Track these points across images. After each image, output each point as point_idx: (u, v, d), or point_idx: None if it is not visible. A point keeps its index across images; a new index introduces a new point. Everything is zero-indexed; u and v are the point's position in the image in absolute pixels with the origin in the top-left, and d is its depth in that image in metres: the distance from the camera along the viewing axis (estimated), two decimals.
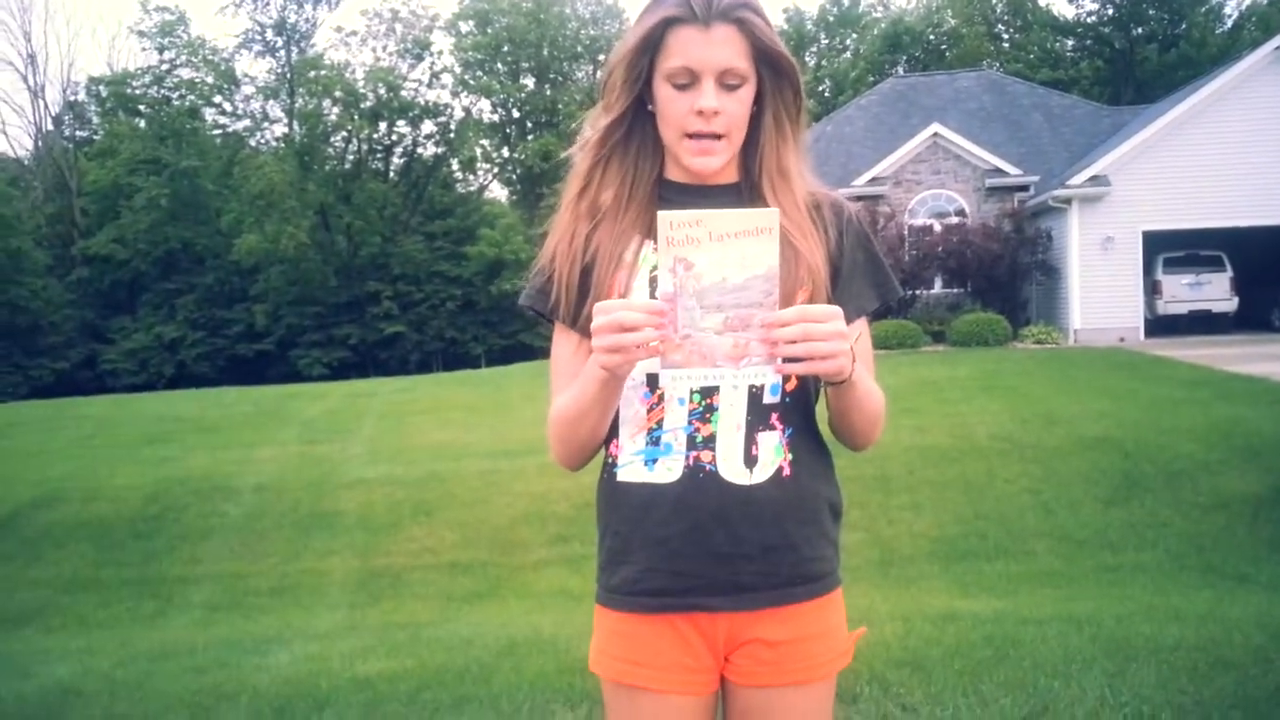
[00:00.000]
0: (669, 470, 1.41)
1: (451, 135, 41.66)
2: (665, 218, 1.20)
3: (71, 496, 9.93)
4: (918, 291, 19.33)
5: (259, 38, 42.05)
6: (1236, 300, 18.89)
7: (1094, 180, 18.04)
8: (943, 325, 18.22)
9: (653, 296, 1.38)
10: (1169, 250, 18.82)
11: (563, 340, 1.52)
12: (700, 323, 1.23)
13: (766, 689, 1.46)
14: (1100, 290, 18.13)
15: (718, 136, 1.40)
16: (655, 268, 1.39)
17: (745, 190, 1.48)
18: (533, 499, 8.99)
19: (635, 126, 1.47)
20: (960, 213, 20.39)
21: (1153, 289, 18.85)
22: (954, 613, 5.50)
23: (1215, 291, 18.84)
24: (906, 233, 19.62)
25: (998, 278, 18.89)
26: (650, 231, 1.42)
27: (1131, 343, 17.45)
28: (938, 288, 19.83)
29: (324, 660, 4.94)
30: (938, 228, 19.79)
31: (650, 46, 1.39)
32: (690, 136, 1.40)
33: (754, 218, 1.21)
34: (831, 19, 48.93)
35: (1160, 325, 18.81)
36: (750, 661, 1.46)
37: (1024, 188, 20.35)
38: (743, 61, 1.38)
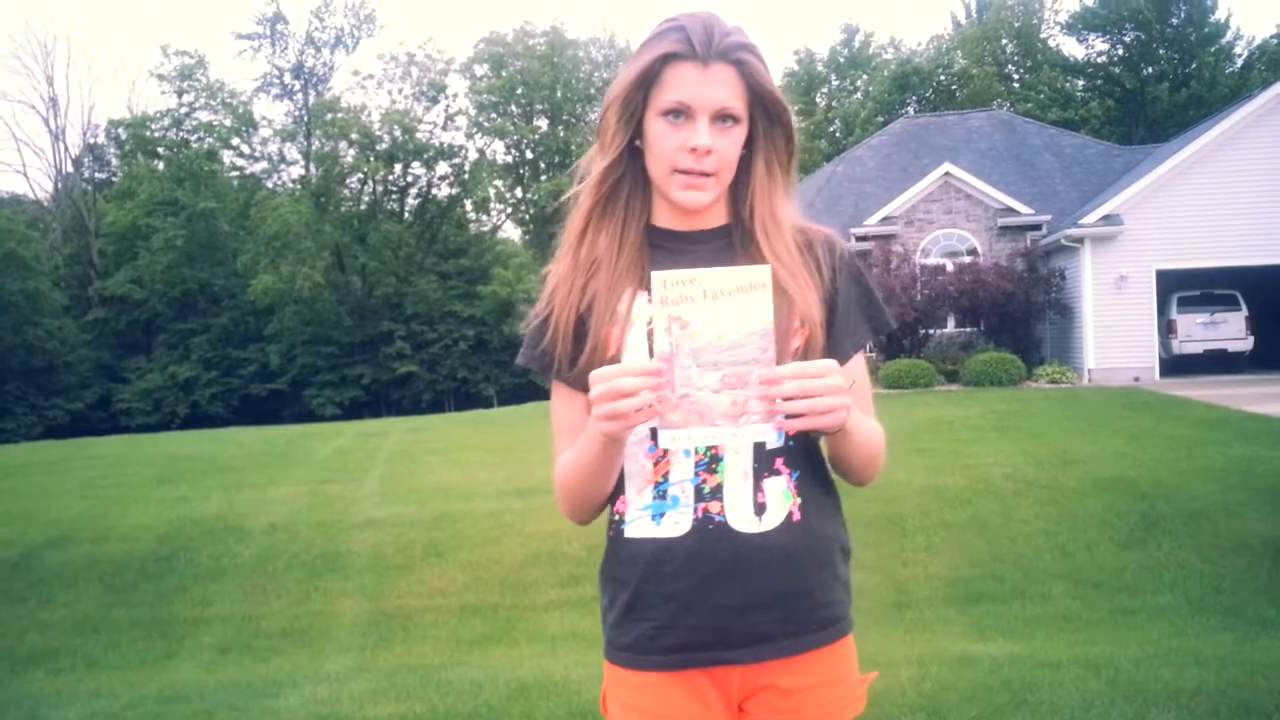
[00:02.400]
0: (677, 524, 1.40)
1: (465, 176, 42.03)
2: (659, 277, 1.20)
3: (83, 537, 9.91)
4: (930, 331, 19.30)
5: (277, 81, 42.67)
6: (1252, 339, 18.80)
7: (1106, 219, 18.04)
8: (956, 365, 18.16)
9: (651, 354, 1.38)
10: (1183, 289, 18.79)
11: (562, 397, 1.51)
12: (697, 381, 1.22)
13: None
14: (1114, 329, 18.07)
15: (707, 174, 1.39)
16: (651, 321, 1.38)
17: (736, 234, 1.48)
18: (544, 539, 8.94)
19: (627, 171, 1.46)
20: (973, 252, 20.40)
21: (1167, 328, 18.78)
22: (970, 656, 5.43)
23: (1230, 331, 18.76)
24: (919, 272, 19.62)
25: (1011, 317, 18.85)
26: (643, 282, 1.43)
27: (1147, 382, 17.36)
28: (951, 327, 19.79)
29: (334, 704, 4.90)
30: (950, 267, 19.79)
31: (647, 81, 1.39)
32: (679, 172, 1.39)
33: (747, 275, 1.21)
34: (842, 60, 49.37)
35: (1175, 365, 18.72)
36: (765, 710, 1.44)
37: (1036, 227, 20.36)
38: (738, 103, 1.38)
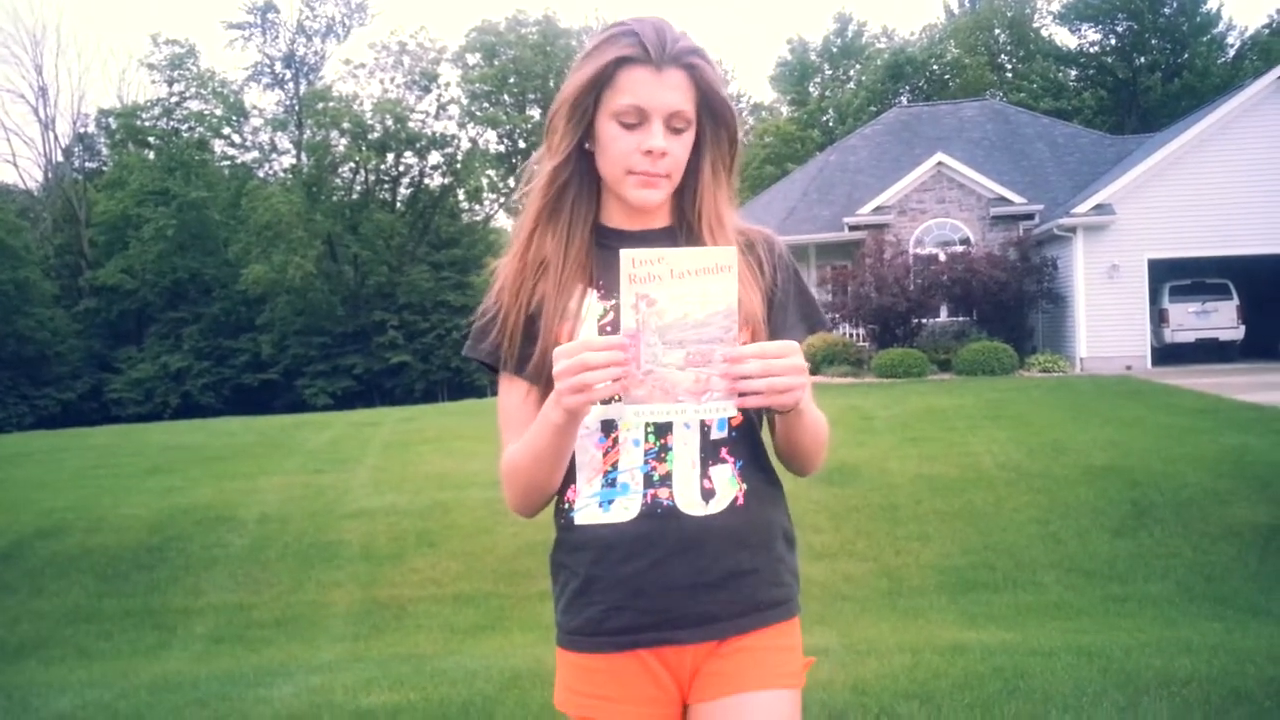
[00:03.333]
0: (626, 509, 1.43)
1: (458, 166, 41.89)
2: (628, 255, 1.23)
3: (75, 527, 9.89)
4: (923, 320, 19.32)
5: (268, 70, 42.49)
6: (1243, 328, 18.86)
7: (1099, 209, 18.07)
8: (949, 354, 18.19)
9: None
10: (1175, 278, 18.84)
11: (510, 389, 1.54)
12: (662, 359, 1.25)
13: (725, 698, 1.45)
14: (1106, 318, 18.11)
15: (662, 175, 1.43)
16: (601, 317, 1.43)
17: (681, 234, 1.51)
18: (537, 528, 8.94)
19: (575, 172, 1.49)
20: (965, 241, 20.41)
21: (1159, 317, 18.83)
22: (963, 644, 5.45)
23: (1222, 320, 18.82)
24: (912, 261, 19.64)
25: (1003, 306, 18.88)
26: (592, 280, 1.47)
27: (1138, 371, 17.41)
28: (943, 316, 19.82)
29: (327, 693, 4.90)
30: (943, 256, 19.81)
31: (599, 84, 1.41)
32: (633, 173, 1.43)
33: (714, 255, 1.25)
34: (835, 49, 49.27)
35: (1167, 354, 18.77)
36: (709, 678, 1.47)
37: (1029, 216, 20.38)
38: (690, 106, 1.42)
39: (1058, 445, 10.33)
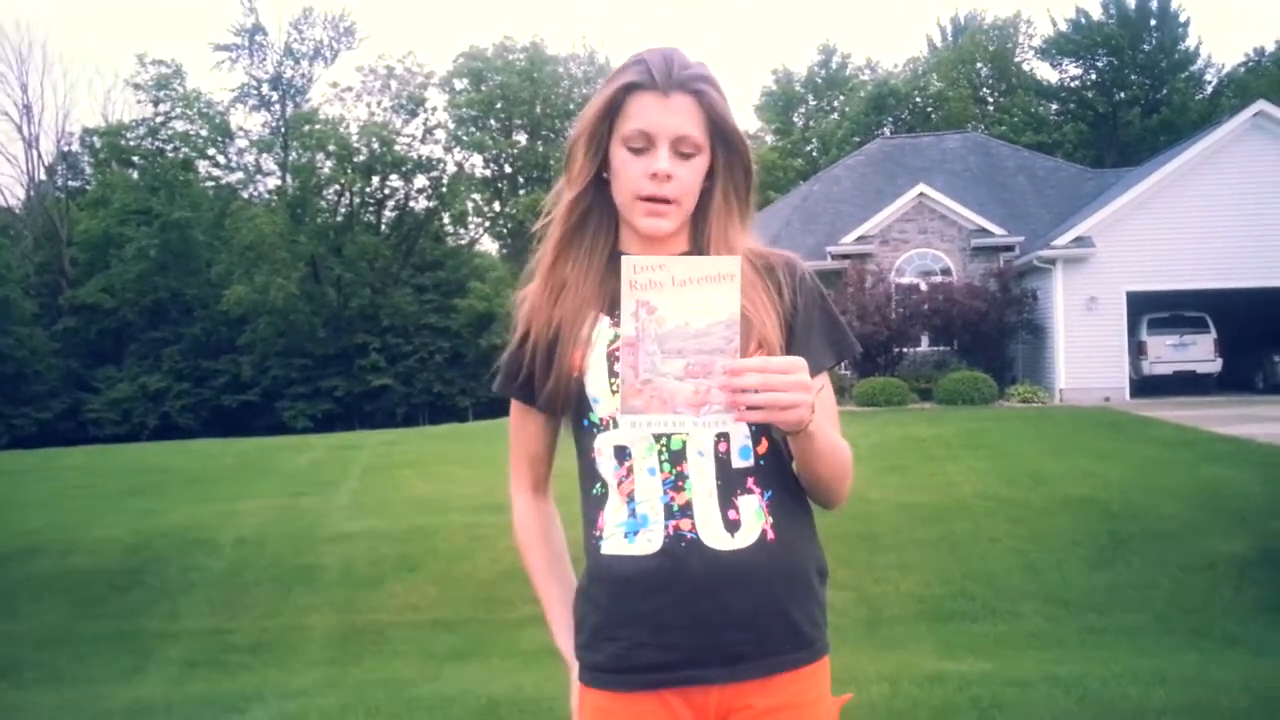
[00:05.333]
0: (649, 542, 1.40)
1: (443, 189, 41.92)
2: (629, 261, 1.22)
3: (50, 548, 9.79)
4: (904, 349, 19.42)
5: (254, 92, 42.45)
6: (1220, 361, 19.04)
7: (1078, 241, 18.25)
8: (929, 383, 18.27)
9: (611, 371, 1.40)
10: (1153, 311, 19.01)
11: (519, 414, 1.58)
12: (661, 368, 1.23)
13: None
14: (1085, 350, 18.25)
15: (669, 201, 1.42)
16: (610, 342, 1.41)
17: None
18: (518, 554, 8.91)
19: (594, 201, 1.49)
20: (946, 271, 20.58)
21: (1137, 349, 18.99)
22: (941, 674, 5.46)
23: (1199, 353, 18.99)
24: (893, 291, 19.77)
25: (984, 336, 19.00)
26: (605, 306, 1.46)
27: (1117, 402, 17.53)
28: (924, 345, 19.92)
29: (302, 719, 4.87)
30: (924, 286, 19.96)
31: (610, 112, 1.43)
32: (643, 199, 1.42)
33: (716, 264, 1.23)
34: (819, 80, 49.74)
35: (1145, 386, 18.92)
36: None
37: (1009, 248, 20.56)
38: (697, 132, 1.41)
39: (1037, 475, 10.38)
